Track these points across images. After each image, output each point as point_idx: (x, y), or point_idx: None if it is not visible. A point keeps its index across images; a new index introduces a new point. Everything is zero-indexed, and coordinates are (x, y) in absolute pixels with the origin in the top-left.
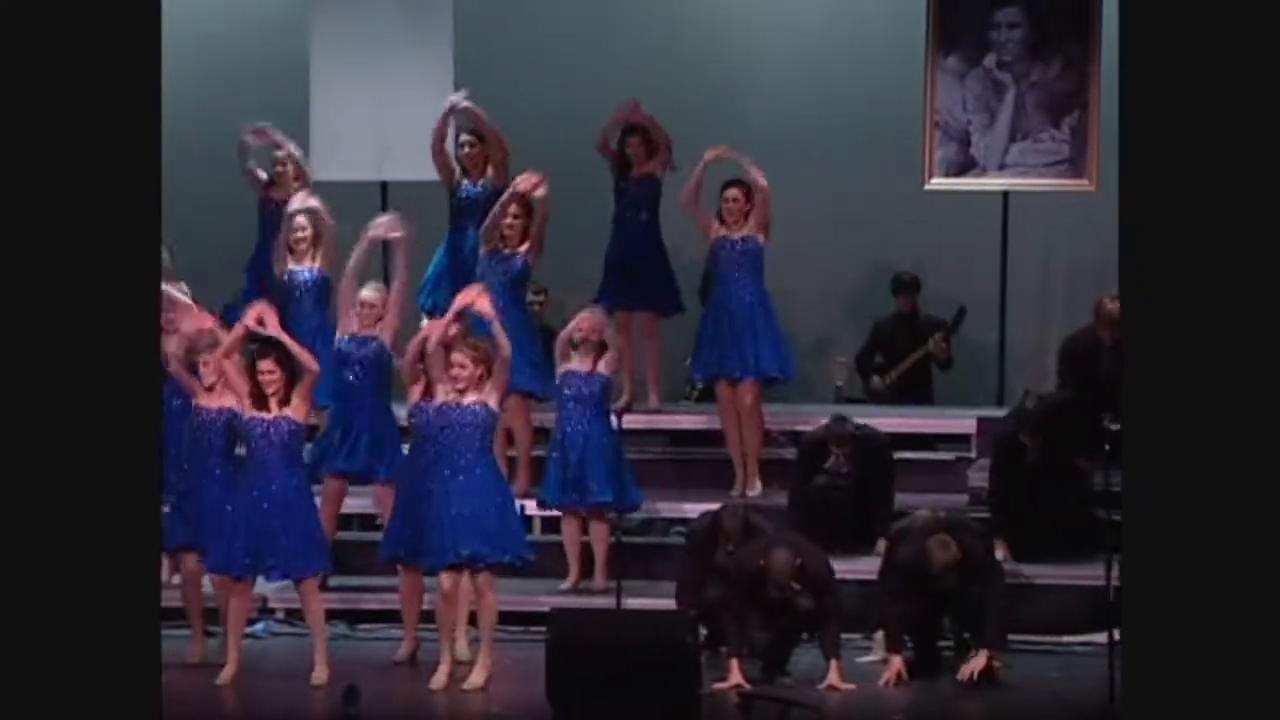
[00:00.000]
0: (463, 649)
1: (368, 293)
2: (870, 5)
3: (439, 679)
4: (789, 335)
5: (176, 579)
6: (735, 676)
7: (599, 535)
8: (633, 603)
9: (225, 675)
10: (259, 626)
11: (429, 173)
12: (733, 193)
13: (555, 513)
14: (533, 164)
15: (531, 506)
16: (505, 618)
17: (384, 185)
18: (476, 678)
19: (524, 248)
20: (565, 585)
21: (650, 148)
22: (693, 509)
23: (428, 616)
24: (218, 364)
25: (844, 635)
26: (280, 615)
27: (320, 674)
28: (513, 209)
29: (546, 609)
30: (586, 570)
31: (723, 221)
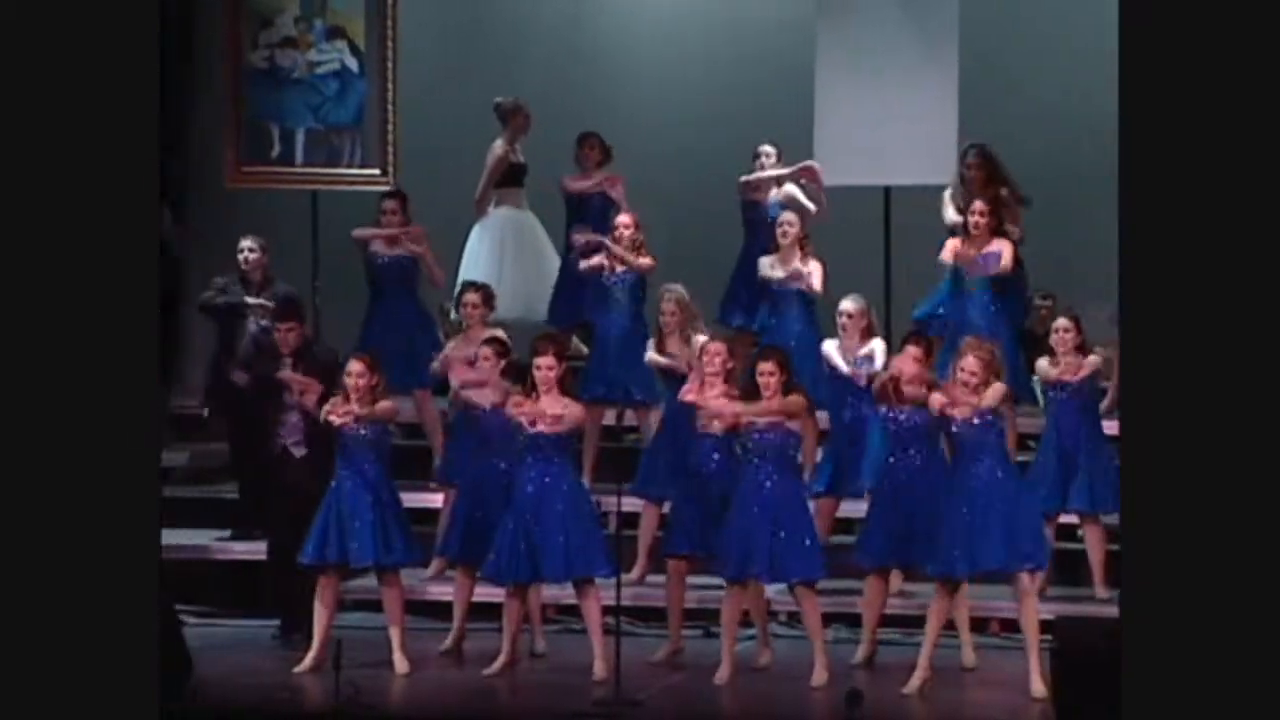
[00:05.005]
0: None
1: (850, 304)
2: None
3: (914, 684)
4: None
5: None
6: None
7: (1092, 540)
8: None
9: (720, 675)
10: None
11: (931, 177)
12: None
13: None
14: (1030, 170)
15: None
16: (1011, 625)
17: (887, 190)
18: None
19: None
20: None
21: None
22: None
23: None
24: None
25: None
26: (783, 618)
27: (820, 675)
28: (978, 206)
29: (1050, 617)
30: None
31: None
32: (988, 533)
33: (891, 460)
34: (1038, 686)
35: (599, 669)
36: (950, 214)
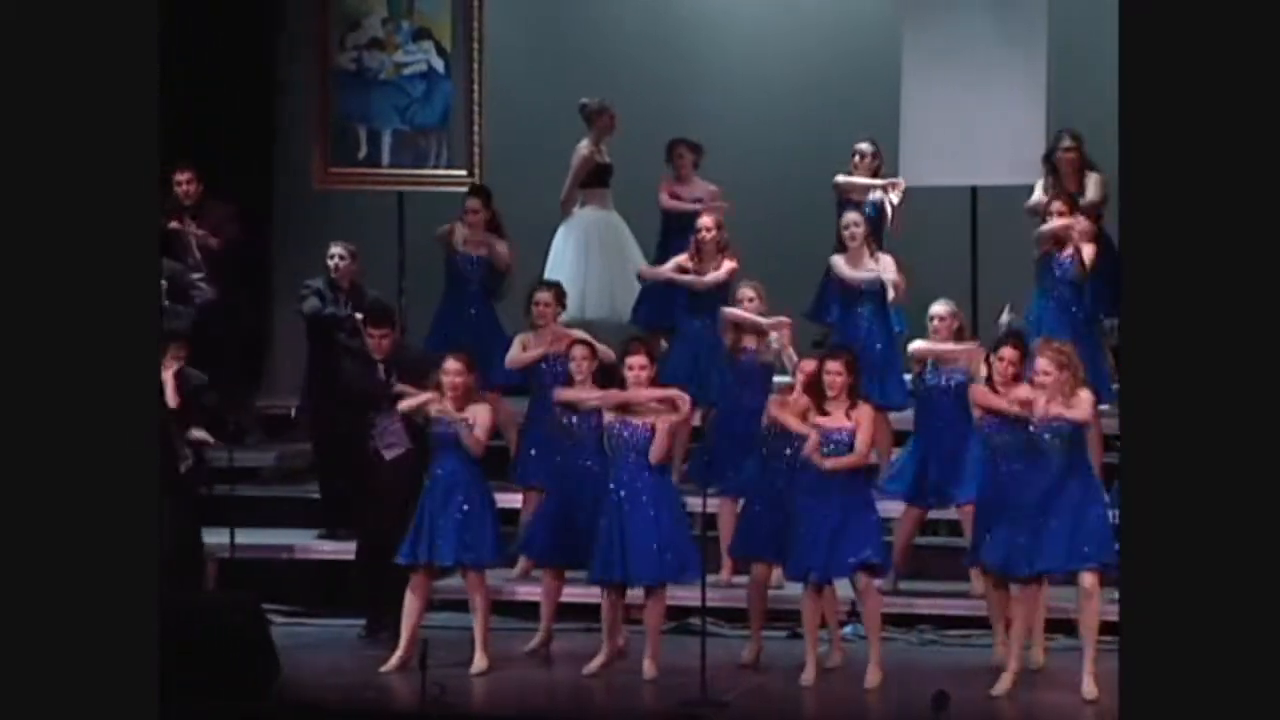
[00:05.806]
0: (1037, 657)
1: (940, 307)
2: None
3: (1004, 685)
4: None
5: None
6: None
7: None
8: None
9: (806, 677)
10: (846, 629)
11: (1019, 177)
12: None
13: None
14: (1112, 170)
15: None
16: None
17: (974, 190)
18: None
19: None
20: None
21: None
22: None
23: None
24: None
25: None
26: None
27: (873, 676)
28: (1057, 206)
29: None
30: None
31: None
32: (1049, 534)
33: (997, 469)
34: (1089, 688)
35: (648, 668)
36: (1037, 194)
